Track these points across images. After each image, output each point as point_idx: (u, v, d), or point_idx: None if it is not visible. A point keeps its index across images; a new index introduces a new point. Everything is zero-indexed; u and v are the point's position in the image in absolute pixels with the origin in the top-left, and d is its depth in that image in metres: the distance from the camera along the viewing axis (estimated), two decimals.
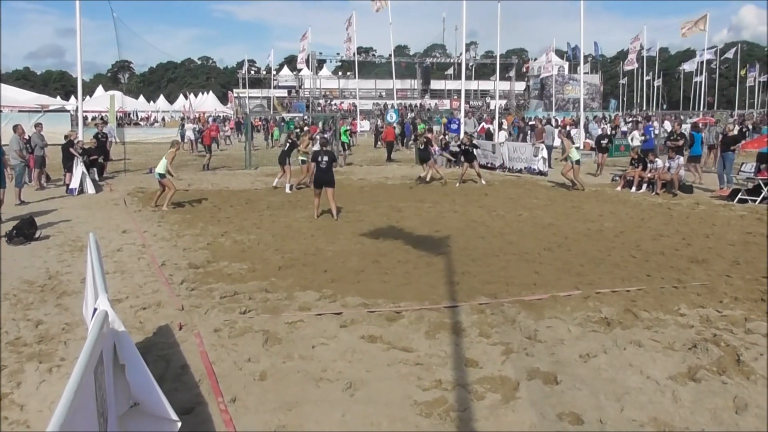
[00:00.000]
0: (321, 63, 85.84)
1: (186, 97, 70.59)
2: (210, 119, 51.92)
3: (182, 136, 37.35)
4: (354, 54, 47.14)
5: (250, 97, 74.82)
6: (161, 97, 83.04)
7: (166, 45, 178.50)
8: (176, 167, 25.56)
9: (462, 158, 21.64)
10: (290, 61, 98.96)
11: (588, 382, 5.50)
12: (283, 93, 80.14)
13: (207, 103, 77.73)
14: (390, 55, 50.68)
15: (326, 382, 5.55)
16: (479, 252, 10.83)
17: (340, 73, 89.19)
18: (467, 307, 7.59)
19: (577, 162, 19.15)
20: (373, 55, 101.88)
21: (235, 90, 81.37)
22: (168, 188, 15.87)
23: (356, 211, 15.26)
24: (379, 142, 39.53)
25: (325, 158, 14.20)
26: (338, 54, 73.46)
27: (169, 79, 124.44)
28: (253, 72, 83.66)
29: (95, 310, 3.85)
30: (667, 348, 6.30)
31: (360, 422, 4.84)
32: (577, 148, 21.37)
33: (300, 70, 79.00)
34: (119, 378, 3.91)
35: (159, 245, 11.27)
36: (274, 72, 79.66)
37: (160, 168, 15.78)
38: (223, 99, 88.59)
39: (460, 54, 46.02)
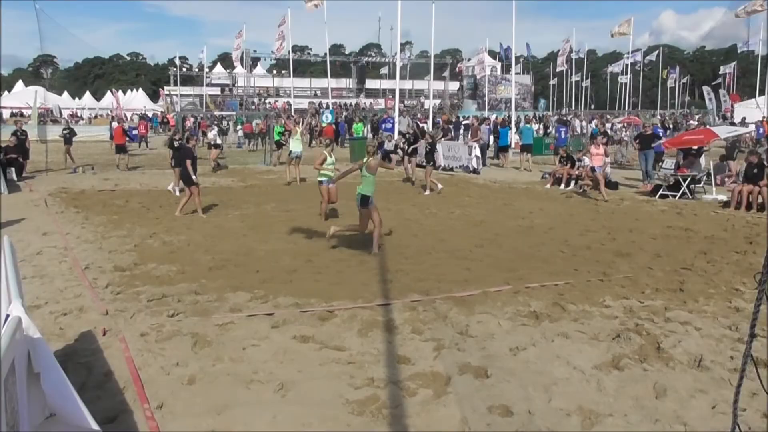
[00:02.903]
0: (255, 61, 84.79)
1: (114, 94, 68.62)
2: (136, 117, 50.73)
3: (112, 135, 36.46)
4: (289, 52, 46.77)
5: (181, 95, 73.31)
6: (87, 93, 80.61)
7: (94, 39, 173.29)
8: (103, 167, 25.08)
9: (424, 159, 19.84)
10: (224, 59, 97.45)
11: (517, 374, 5.59)
12: (217, 91, 78.85)
13: (136, 100, 75.77)
14: (325, 54, 50.51)
15: (257, 383, 5.48)
16: (412, 250, 10.89)
17: (274, 72, 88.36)
18: (400, 305, 7.61)
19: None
20: (309, 53, 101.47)
21: (166, 87, 79.59)
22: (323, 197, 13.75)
23: (289, 210, 15.14)
24: (314, 141, 39.36)
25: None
26: (273, 52, 72.68)
27: (96, 75, 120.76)
28: (185, 69, 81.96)
29: (8, 316, 3.68)
30: (592, 339, 6.47)
31: (291, 423, 4.80)
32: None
33: (234, 68, 77.98)
34: (34, 388, 3.72)
35: (82, 248, 10.90)
36: (207, 69, 78.46)
37: (319, 175, 13.68)
38: (154, 96, 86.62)
39: (395, 54, 46.11)
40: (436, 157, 21.22)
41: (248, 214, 14.60)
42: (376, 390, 5.29)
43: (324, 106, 56.32)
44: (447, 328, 6.82)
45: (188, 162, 14.29)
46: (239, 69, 77.23)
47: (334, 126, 34.50)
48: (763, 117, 28.08)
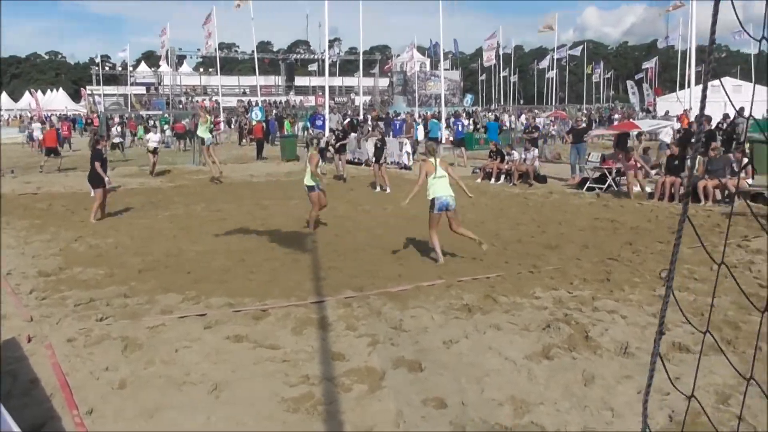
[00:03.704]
0: (181, 59, 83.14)
1: (33, 94, 66.15)
2: (56, 118, 49.07)
3: (30, 137, 35.27)
4: (215, 50, 46.01)
5: (105, 95, 71.27)
6: (3, 94, 77.55)
7: (9, 38, 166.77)
8: (24, 170, 24.22)
9: (373, 158, 19.38)
10: (148, 57, 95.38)
11: (451, 367, 5.67)
12: (142, 90, 77.02)
13: (57, 100, 73.41)
14: (253, 52, 49.84)
15: (190, 385, 5.40)
16: (346, 247, 10.91)
17: (201, 70, 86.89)
18: (334, 302, 7.62)
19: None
20: (236, 51, 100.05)
21: (88, 87, 77.17)
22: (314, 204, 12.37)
23: (220, 210, 14.94)
24: (243, 140, 38.91)
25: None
26: (199, 50, 71.44)
27: (12, 75, 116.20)
28: (107, 68, 79.75)
29: None
30: (523, 329, 6.61)
31: (225, 423, 4.75)
32: None
33: (159, 67, 76.26)
34: None
35: (4, 253, 10.50)
36: (131, 68, 76.39)
37: (308, 179, 12.28)
38: (76, 96, 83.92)
39: (324, 51, 45.95)
40: (387, 154, 21.13)
41: (178, 215, 14.35)
42: (311, 387, 5.28)
43: (253, 104, 55.68)
44: (381, 324, 6.86)
45: (97, 164, 13.88)
46: (165, 67, 75.54)
47: (264, 124, 34.13)
48: (684, 110, 29.21)
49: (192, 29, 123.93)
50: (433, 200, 9.50)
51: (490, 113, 39.89)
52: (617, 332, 6.48)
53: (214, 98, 68.70)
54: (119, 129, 35.96)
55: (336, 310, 7.31)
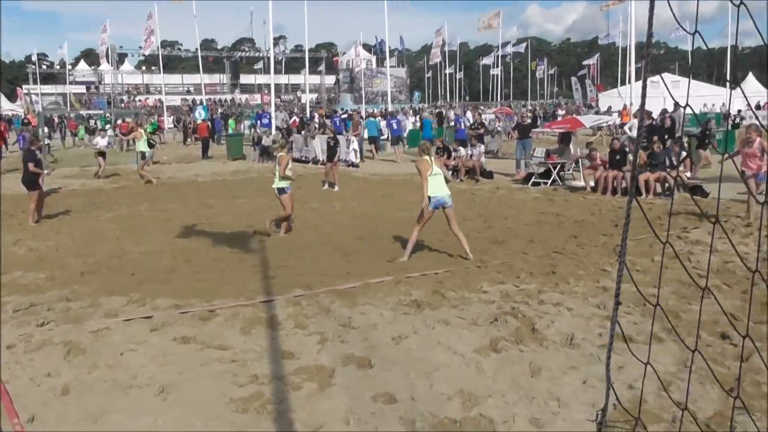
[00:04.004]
0: (122, 57, 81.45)
1: None
2: None
3: None
4: (158, 48, 45.21)
5: (42, 94, 69.28)
6: None
7: None
8: None
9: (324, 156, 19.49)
10: (87, 55, 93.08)
11: (400, 362, 5.69)
12: (82, 89, 75.20)
13: None
14: (196, 49, 49.24)
15: (136, 388, 5.30)
16: (294, 245, 10.86)
17: (143, 68, 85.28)
18: (283, 300, 7.57)
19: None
20: (179, 49, 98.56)
21: (24, 86, 74.91)
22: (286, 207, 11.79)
23: (165, 210, 14.71)
24: (188, 139, 38.36)
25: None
26: (141, 48, 69.98)
27: None
28: (45, 66, 77.63)
29: None
30: (471, 324, 6.67)
31: (173, 425, 4.68)
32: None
33: (99, 65, 74.59)
34: None
35: None
36: (70, 67, 74.58)
37: (278, 182, 11.66)
38: (11, 96, 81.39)
39: (269, 48, 45.57)
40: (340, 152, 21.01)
41: (121, 216, 14.07)
42: (260, 387, 5.24)
43: (197, 102, 54.92)
44: (330, 321, 6.84)
45: (31, 165, 13.43)
46: (105, 66, 73.98)
47: (209, 123, 33.72)
48: (624, 105, 29.94)
49: (133, 26, 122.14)
50: (429, 198, 9.39)
51: (425, 111, 40.07)
52: (563, 324, 6.60)
53: (157, 97, 67.45)
54: (45, 130, 34.90)
55: (285, 309, 7.26)
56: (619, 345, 6.03)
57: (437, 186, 9.40)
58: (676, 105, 19.12)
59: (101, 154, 22.52)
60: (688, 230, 11.05)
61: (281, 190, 11.61)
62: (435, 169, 9.47)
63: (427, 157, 9.60)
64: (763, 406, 4.73)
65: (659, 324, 6.53)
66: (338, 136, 20.50)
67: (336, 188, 17.72)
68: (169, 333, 6.57)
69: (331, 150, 18.46)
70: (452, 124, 33.70)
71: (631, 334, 6.19)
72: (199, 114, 36.01)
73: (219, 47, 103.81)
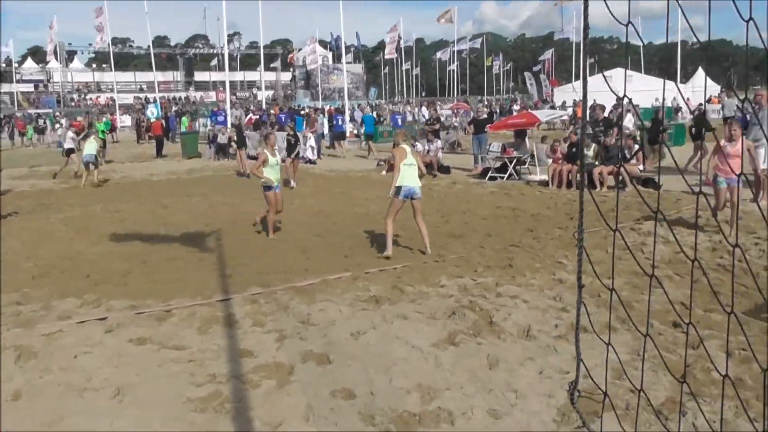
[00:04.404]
0: (72, 55, 79.71)
1: None
2: None
3: None
4: (109, 45, 44.33)
5: None
6: None
7: None
8: None
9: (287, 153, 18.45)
10: (35, 53, 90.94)
11: (359, 358, 5.70)
12: (29, 88, 73.42)
13: None
14: (149, 46, 48.37)
15: (91, 391, 5.21)
16: (252, 243, 10.79)
17: (94, 66, 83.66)
18: (240, 299, 7.52)
19: None
20: (131, 46, 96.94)
21: None
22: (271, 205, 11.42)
23: (120, 210, 14.47)
24: (142, 138, 37.79)
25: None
26: (91, 45, 68.55)
27: None
28: None
29: None
30: (429, 318, 6.71)
31: (131, 427, 4.62)
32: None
33: (48, 63, 72.93)
34: None
35: None
36: (16, 65, 72.71)
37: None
38: None
39: (224, 45, 45.10)
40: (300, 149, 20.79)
41: (73, 217, 13.79)
42: (218, 386, 5.20)
43: (151, 100, 54.08)
44: (289, 318, 6.82)
45: None
46: (54, 63, 72.36)
47: (163, 121, 33.24)
48: (576, 100, 30.44)
49: (82, 23, 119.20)
50: (399, 187, 9.40)
51: (367, 107, 40.14)
52: (519, 316, 6.68)
53: (109, 95, 66.22)
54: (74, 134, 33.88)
55: (243, 307, 7.21)
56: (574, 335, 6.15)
57: (409, 176, 9.45)
58: (619, 100, 19.34)
59: (71, 151, 21.67)
60: (641, 222, 11.26)
61: (267, 188, 11.25)
62: (410, 159, 9.53)
63: (404, 146, 9.64)
64: (712, 392, 4.86)
65: (613, 313, 6.66)
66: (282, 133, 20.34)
67: (292, 184, 17.59)
68: (124, 334, 6.47)
69: (291, 147, 18.31)
70: (409, 119, 33.87)
71: (585, 324, 6.29)
72: (152, 112, 35.44)
73: (172, 44, 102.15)
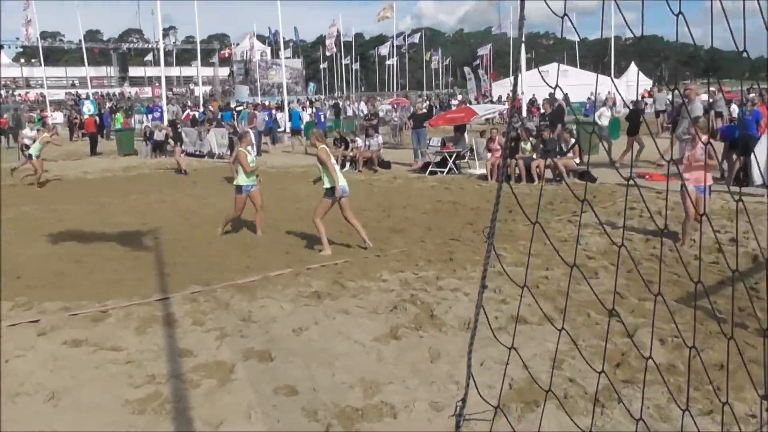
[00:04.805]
0: None
1: None
2: None
3: None
4: (37, 39, 42.91)
5: None
6: None
7: None
8: None
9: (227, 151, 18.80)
10: None
11: (301, 354, 5.68)
12: None
13: None
14: (80, 41, 47.06)
15: (24, 396, 5.05)
16: (191, 241, 10.64)
17: (22, 61, 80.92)
18: (179, 298, 7.40)
19: None
20: (61, 40, 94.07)
21: None
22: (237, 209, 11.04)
23: (55, 210, 14.05)
24: (75, 135, 36.78)
25: None
26: (18, 39, 66.19)
27: None
28: None
29: None
30: (371, 312, 6.74)
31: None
32: None
33: None
34: None
35: None
36: None
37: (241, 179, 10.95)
38: None
39: (159, 39, 44.23)
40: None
41: (7, 218, 13.29)
42: (157, 386, 5.11)
43: (83, 96, 52.64)
44: (229, 316, 6.75)
45: None
46: None
47: (96, 118, 32.39)
48: (515, 94, 30.93)
49: (9, 16, 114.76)
50: (333, 187, 9.30)
51: (296, 102, 40.01)
52: (460, 309, 6.76)
53: (39, 91, 64.20)
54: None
55: (182, 306, 7.10)
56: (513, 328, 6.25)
57: (340, 174, 9.41)
58: (551, 95, 19.62)
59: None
60: (577, 214, 11.51)
61: (238, 189, 10.83)
62: (332, 158, 9.49)
63: (324, 146, 9.59)
64: (647, 379, 5.00)
65: (551, 304, 6.81)
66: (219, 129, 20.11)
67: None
68: (58, 337, 6.29)
69: (234, 145, 17.91)
70: (349, 114, 33.84)
71: (526, 316, 6.42)
72: (88, 109, 34.50)
73: (105, 38, 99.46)
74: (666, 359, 5.34)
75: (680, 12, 2.30)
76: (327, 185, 9.35)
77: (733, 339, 2.24)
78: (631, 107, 20.37)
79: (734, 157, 14.15)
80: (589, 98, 37.88)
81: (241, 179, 10.85)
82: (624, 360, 5.39)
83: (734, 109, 22.51)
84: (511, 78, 48.67)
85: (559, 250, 8.04)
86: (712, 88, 23.44)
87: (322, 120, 31.61)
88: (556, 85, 2.37)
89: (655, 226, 10.19)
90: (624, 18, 2.37)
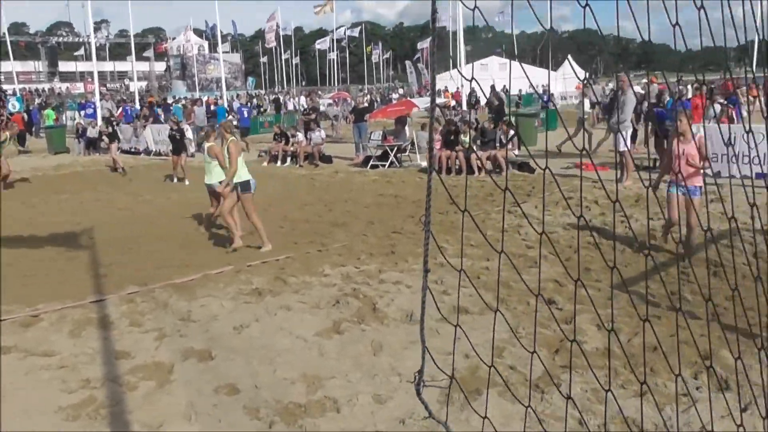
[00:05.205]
0: None
1: None
2: None
3: None
4: None
5: None
6: None
7: None
8: None
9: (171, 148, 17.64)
10: None
11: (242, 351, 5.60)
12: None
13: None
14: (4, 34, 45.39)
15: None
16: (128, 240, 10.37)
17: None
18: (116, 299, 7.20)
19: None
20: None
21: None
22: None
23: None
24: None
25: None
26: None
27: None
28: None
29: None
30: (314, 307, 6.69)
31: None
32: None
33: None
34: None
35: None
36: None
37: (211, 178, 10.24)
38: None
39: (90, 33, 43.04)
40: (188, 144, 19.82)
41: None
42: (92, 391, 4.96)
43: (9, 92, 50.88)
44: (168, 316, 6.60)
45: None
46: None
47: (24, 114, 31.35)
48: (457, 87, 31.14)
49: None
50: (247, 181, 9.14)
51: (214, 96, 39.54)
52: (403, 301, 6.76)
53: None
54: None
55: (119, 308, 6.91)
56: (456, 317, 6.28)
57: (245, 169, 9.21)
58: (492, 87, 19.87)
59: None
60: (516, 205, 11.64)
61: (210, 186, 10.21)
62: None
63: (235, 138, 9.41)
64: (584, 364, 5.08)
65: (492, 294, 6.86)
66: (167, 126, 19.57)
67: (187, 183, 16.68)
68: None
69: (177, 143, 17.23)
70: (290, 108, 33.57)
71: (467, 306, 6.46)
72: (13, 106, 33.33)
73: (32, 32, 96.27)
74: (603, 343, 5.44)
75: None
76: (242, 179, 9.13)
77: (648, 321, 2.29)
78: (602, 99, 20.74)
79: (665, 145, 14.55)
80: (543, 89, 38.39)
81: (212, 177, 10.20)
82: (562, 346, 5.48)
83: (667, 99, 23.14)
84: (452, 71, 49.07)
85: (497, 240, 8.13)
86: (644, 80, 24.04)
87: (245, 116, 31.02)
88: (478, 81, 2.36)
89: (591, 215, 10.43)
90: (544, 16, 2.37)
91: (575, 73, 15.21)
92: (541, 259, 8.00)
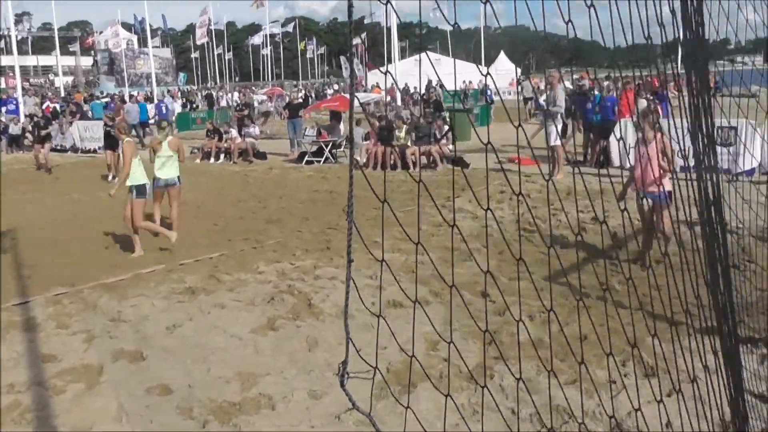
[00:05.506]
0: None
1: None
2: None
3: None
4: None
5: None
6: None
7: None
8: None
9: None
10: None
11: (175, 351, 5.52)
12: None
13: None
14: None
15: None
16: (53, 240, 10.06)
17: None
18: (42, 300, 6.99)
19: None
20: None
21: None
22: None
23: None
24: None
25: None
26: None
27: None
28: None
29: None
30: (248, 305, 6.64)
31: None
32: None
33: None
34: None
35: None
36: None
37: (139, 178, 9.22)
38: None
39: (10, 26, 41.49)
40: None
41: None
42: (17, 396, 4.81)
43: None
44: (98, 317, 6.44)
45: None
46: None
47: None
48: (392, 84, 31.18)
49: None
50: (143, 185, 8.97)
51: (167, 93, 38.87)
52: (338, 297, 6.76)
53: None
54: None
55: (45, 309, 6.71)
56: (391, 311, 6.34)
57: (141, 172, 8.98)
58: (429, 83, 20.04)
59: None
60: (450, 199, 11.78)
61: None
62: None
63: (129, 139, 9.30)
64: (517, 354, 5.19)
65: (427, 288, 6.94)
66: (95, 122, 19.01)
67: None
68: None
69: (111, 139, 16.38)
70: (223, 104, 33.08)
71: (401, 300, 6.50)
72: None
73: None
74: (534, 334, 5.56)
75: None
76: (123, 183, 8.93)
77: (553, 311, 2.37)
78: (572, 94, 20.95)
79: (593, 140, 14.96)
80: (460, 87, 38.79)
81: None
82: (496, 337, 5.57)
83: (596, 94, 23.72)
84: (387, 66, 49.19)
85: (432, 235, 8.23)
86: (575, 76, 24.56)
87: (164, 112, 30.18)
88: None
89: (524, 209, 10.62)
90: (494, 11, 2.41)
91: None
92: (474, 253, 8.11)
